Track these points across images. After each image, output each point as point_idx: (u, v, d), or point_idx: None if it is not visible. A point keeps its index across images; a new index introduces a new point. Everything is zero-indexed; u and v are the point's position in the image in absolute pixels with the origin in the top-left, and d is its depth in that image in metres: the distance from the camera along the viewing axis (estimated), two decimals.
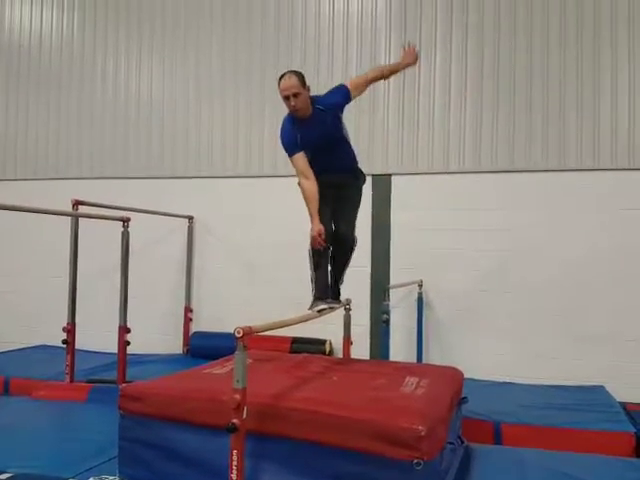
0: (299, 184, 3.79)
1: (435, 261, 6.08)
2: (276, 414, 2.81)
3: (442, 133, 6.19)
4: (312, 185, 3.73)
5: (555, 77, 5.89)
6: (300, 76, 3.67)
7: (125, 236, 5.18)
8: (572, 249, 5.75)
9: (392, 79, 6.28)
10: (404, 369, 3.79)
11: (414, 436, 2.53)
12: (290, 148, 3.77)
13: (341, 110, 3.84)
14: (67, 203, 5.07)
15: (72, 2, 7.48)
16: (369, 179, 6.27)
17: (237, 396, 2.51)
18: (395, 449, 2.55)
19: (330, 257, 4.00)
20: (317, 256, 3.88)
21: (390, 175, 6.29)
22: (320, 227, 3.65)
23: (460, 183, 6.11)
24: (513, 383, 5.55)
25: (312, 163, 3.79)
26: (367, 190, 6.22)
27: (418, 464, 2.51)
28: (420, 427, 2.54)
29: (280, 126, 3.83)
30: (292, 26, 6.70)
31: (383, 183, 6.27)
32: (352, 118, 6.33)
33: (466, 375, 4.09)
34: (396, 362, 4.65)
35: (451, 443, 3.12)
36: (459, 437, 3.61)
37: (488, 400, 4.73)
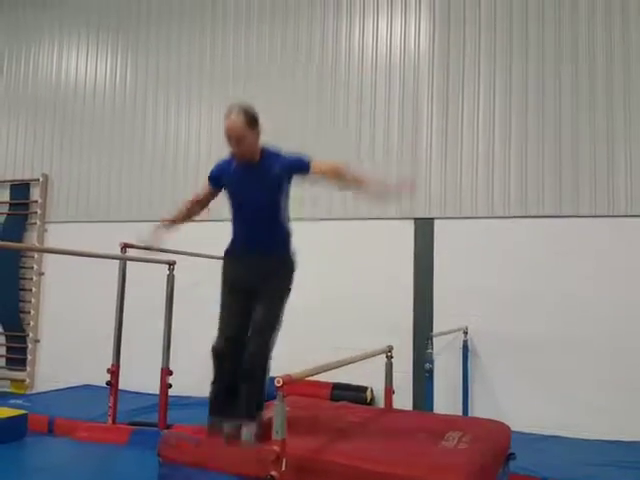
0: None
1: (481, 307, 5.93)
2: (316, 468, 2.73)
3: (486, 177, 6.13)
4: (196, 201, 3.72)
5: (602, 120, 5.80)
6: (248, 115, 3.05)
7: (170, 280, 5.21)
8: (622, 297, 5.54)
9: (435, 120, 6.36)
10: (446, 422, 3.66)
11: None
12: (211, 176, 3.48)
13: (290, 175, 3.19)
14: (115, 245, 5.16)
15: (125, 52, 7.83)
16: (411, 223, 6.37)
17: (276, 447, 2.46)
18: None
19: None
20: (214, 367, 3.35)
21: (432, 219, 6.24)
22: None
23: (506, 227, 6.01)
24: (563, 437, 5.31)
25: (233, 224, 3.41)
26: (409, 234, 6.26)
27: None
28: None
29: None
30: (336, 71, 6.83)
31: (426, 227, 6.23)
32: (394, 160, 6.39)
33: (514, 428, 3.92)
34: (438, 414, 4.52)
35: None
36: None
37: (536, 455, 4.53)
